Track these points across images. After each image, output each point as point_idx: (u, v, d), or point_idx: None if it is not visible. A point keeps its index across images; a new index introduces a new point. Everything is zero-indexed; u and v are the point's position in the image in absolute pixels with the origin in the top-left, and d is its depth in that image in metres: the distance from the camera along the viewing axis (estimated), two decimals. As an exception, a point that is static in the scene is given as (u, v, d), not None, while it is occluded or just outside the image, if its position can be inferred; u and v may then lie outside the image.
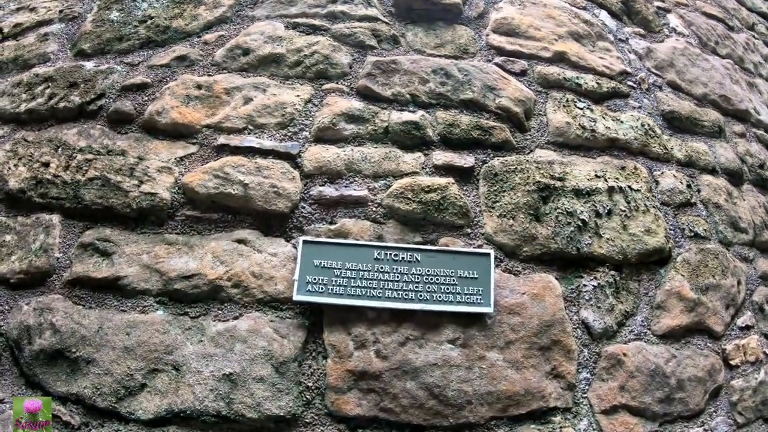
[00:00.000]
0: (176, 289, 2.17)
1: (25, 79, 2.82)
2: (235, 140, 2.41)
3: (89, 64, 2.74)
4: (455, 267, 2.21)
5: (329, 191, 2.33)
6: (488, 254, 2.25)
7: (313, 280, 2.15)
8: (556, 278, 2.34)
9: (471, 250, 2.27)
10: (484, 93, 2.62)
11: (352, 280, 2.16)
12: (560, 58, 2.89)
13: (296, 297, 2.12)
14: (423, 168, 2.42)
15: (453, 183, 2.39)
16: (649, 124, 2.88)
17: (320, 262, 2.17)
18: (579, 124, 2.69)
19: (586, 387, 2.24)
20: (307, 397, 2.06)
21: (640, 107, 2.95)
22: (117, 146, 2.45)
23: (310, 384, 2.07)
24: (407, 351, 2.12)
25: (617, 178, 2.61)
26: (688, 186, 2.83)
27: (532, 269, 2.34)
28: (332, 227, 2.29)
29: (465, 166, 2.43)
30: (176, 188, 2.34)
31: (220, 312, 2.16)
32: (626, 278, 2.46)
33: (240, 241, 2.26)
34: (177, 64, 2.64)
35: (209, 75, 2.60)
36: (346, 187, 2.34)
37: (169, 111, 2.47)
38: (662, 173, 2.79)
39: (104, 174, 2.38)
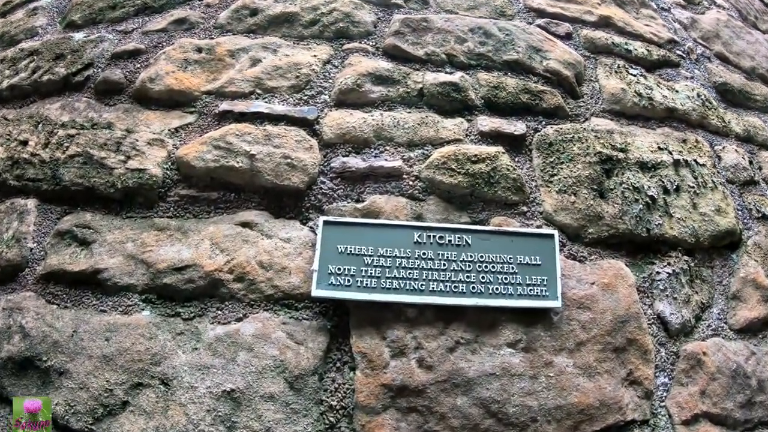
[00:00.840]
0: (166, 284, 1.51)
1: (10, 55, 2.20)
2: (240, 105, 1.75)
3: (78, 35, 2.12)
4: (513, 252, 1.54)
5: (355, 162, 1.66)
6: (552, 236, 1.58)
7: (336, 270, 1.48)
8: (626, 265, 1.69)
9: (531, 231, 1.60)
10: (530, 54, 1.97)
11: (387, 270, 1.49)
12: (605, 23, 2.26)
13: (315, 292, 1.45)
14: (467, 135, 1.76)
15: (503, 152, 1.73)
16: (704, 95, 2.24)
17: (345, 248, 1.50)
18: (634, 92, 2.05)
19: (664, 394, 1.59)
20: (331, 419, 1.38)
21: (692, 77, 2.30)
22: (103, 119, 1.81)
23: (333, 403, 1.40)
24: (458, 358, 1.45)
25: (680, 151, 1.96)
26: (750, 162, 2.18)
27: (598, 254, 1.68)
28: (359, 205, 1.62)
29: (515, 133, 1.77)
30: (169, 163, 1.68)
31: (219, 312, 1.49)
32: (699, 264, 1.81)
33: (245, 225, 1.59)
34: (175, 28, 2.00)
35: (211, 38, 1.95)
36: (375, 157, 1.68)
37: (164, 77, 1.82)
38: (723, 148, 2.15)
39: (87, 150, 1.73)
